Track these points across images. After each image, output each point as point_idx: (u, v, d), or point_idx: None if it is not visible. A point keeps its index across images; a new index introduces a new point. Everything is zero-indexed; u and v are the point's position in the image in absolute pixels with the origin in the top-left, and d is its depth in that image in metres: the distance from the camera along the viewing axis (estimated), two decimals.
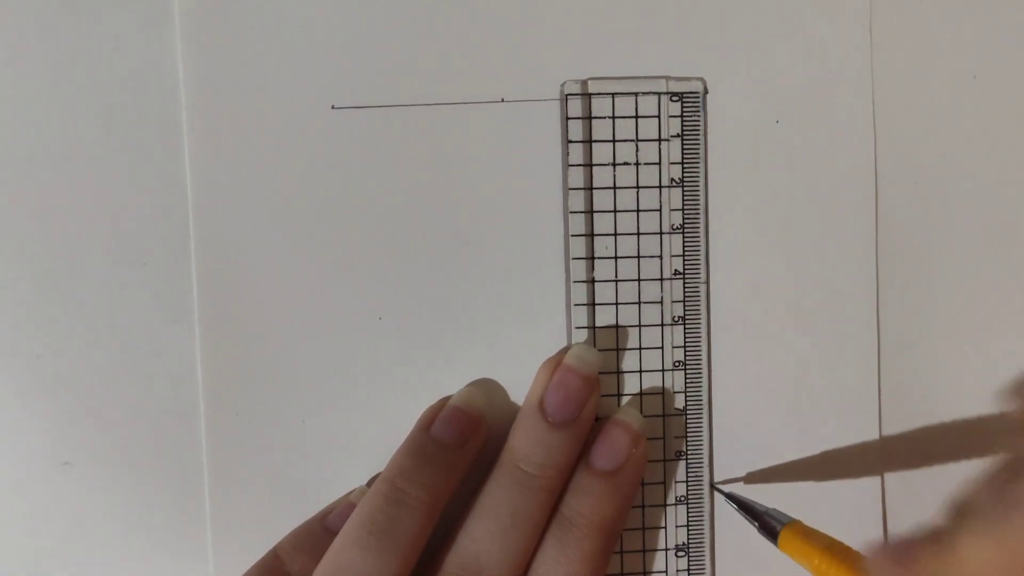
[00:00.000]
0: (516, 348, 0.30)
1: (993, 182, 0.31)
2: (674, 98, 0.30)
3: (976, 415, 0.31)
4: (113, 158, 0.30)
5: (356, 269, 0.30)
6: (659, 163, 0.30)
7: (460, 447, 0.29)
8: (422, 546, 0.28)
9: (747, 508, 0.29)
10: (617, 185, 0.30)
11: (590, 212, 0.30)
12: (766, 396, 0.31)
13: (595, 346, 0.30)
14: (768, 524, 0.28)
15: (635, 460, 0.29)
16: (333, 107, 0.30)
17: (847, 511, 0.31)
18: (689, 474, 0.31)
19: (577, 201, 0.30)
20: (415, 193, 0.30)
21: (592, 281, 0.30)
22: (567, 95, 0.30)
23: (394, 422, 0.30)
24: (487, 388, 0.30)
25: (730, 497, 0.30)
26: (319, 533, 0.29)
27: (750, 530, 0.29)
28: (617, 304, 0.31)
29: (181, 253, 0.30)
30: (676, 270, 0.31)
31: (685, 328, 0.31)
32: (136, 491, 0.30)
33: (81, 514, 0.30)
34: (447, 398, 0.30)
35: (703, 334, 0.31)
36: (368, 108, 0.30)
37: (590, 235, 0.30)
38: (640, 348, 0.31)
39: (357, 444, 0.30)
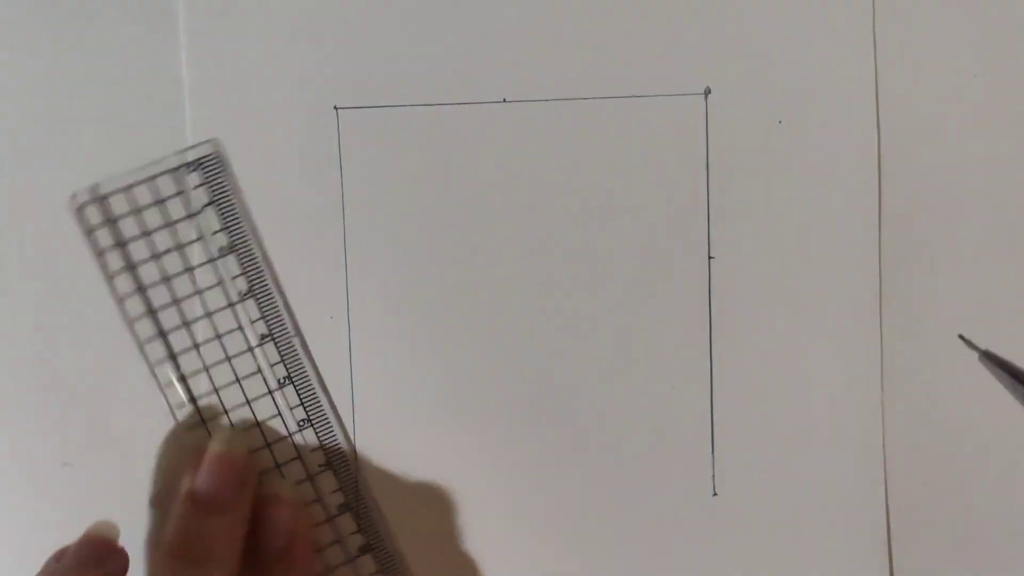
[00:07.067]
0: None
1: (996, 181, 0.31)
2: (192, 168, 0.29)
3: (977, 415, 0.31)
4: (115, 158, 0.30)
5: (356, 269, 0.30)
6: (203, 238, 0.29)
7: None
8: None
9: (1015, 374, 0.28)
10: (169, 275, 0.29)
11: (151, 313, 0.29)
12: (769, 402, 0.31)
13: (239, 432, 0.29)
14: None
15: (301, 528, 0.29)
16: (336, 107, 0.30)
17: (849, 513, 0.31)
18: (361, 523, 0.30)
19: (135, 307, 0.29)
20: (415, 193, 0.30)
21: (182, 378, 0.29)
22: (81, 204, 0.29)
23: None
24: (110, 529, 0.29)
25: (1002, 365, 0.29)
26: None
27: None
28: (217, 390, 0.29)
29: None
30: (263, 334, 0.30)
31: (295, 386, 0.30)
32: (136, 492, 0.30)
33: (81, 514, 0.30)
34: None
35: (315, 385, 0.30)
36: (371, 108, 0.30)
37: (162, 334, 0.29)
38: (261, 423, 0.30)
39: None
